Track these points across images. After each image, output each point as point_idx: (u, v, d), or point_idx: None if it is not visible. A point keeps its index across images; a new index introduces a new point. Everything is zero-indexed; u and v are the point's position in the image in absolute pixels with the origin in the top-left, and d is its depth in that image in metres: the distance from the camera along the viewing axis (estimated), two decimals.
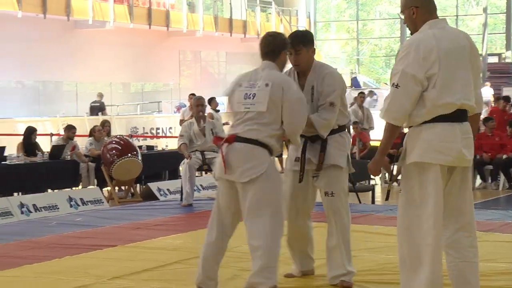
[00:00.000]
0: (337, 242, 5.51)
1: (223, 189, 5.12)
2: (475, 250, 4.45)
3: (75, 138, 13.02)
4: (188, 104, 17.67)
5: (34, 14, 22.47)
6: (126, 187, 12.55)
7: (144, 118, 22.67)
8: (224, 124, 11.35)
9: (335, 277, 5.55)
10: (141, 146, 14.01)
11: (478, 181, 13.83)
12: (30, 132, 12.55)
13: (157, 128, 21.36)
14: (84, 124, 18.18)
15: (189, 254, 6.82)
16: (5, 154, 11.74)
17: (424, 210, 4.31)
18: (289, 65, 5.49)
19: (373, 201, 10.43)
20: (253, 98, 4.97)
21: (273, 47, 5.09)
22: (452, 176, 4.40)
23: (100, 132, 12.96)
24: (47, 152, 12.29)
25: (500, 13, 34.89)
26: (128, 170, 11.83)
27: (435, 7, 4.48)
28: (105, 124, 13.67)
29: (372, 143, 14.49)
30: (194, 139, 10.62)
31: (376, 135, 15.71)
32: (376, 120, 15.37)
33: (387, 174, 13.16)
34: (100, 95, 22.92)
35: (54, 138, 14.00)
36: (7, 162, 11.39)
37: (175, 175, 13.44)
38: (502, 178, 13.49)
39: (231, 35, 30.47)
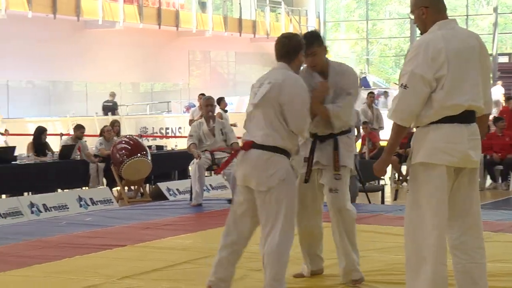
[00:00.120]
0: (341, 237, 5.54)
1: (241, 194, 5.08)
2: (482, 251, 4.44)
3: (85, 138, 13.05)
4: (197, 104, 17.68)
5: (44, 14, 22.54)
6: (136, 187, 12.56)
7: (153, 118, 22.70)
8: (231, 125, 11.36)
9: (346, 273, 5.58)
10: (151, 146, 14.03)
11: (488, 181, 13.78)
12: (40, 132, 12.58)
13: (167, 128, 21.39)
14: (94, 124, 18.22)
15: (198, 254, 6.83)
16: (16, 154, 11.77)
17: (428, 210, 4.31)
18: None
19: (382, 201, 10.42)
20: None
21: (288, 48, 5.04)
22: (459, 177, 4.40)
23: (109, 132, 12.98)
24: (57, 152, 12.32)
25: (511, 13, 34.79)
26: (137, 170, 11.85)
27: (445, 7, 4.47)
28: (115, 124, 13.70)
29: (382, 143, 14.46)
30: (203, 139, 10.62)
31: (386, 135, 15.69)
32: (386, 120, 15.34)
33: (396, 174, 13.19)
34: (113, 95, 23.01)
35: (63, 138, 14.03)
36: (18, 162, 11.42)
37: (184, 175, 13.45)
38: None
39: (240, 35, 30.48)
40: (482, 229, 4.50)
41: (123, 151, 11.85)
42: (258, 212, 4.96)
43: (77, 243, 7.58)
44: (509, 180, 13.52)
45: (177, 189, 12.25)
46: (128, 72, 26.39)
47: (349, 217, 5.58)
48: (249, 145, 4.95)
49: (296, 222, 5.41)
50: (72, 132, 13.20)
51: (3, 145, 13.23)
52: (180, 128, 21.35)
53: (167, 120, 22.34)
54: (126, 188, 12.43)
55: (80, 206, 10.69)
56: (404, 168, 4.30)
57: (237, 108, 26.05)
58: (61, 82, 25.33)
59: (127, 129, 18.55)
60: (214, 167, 10.78)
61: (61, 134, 15.21)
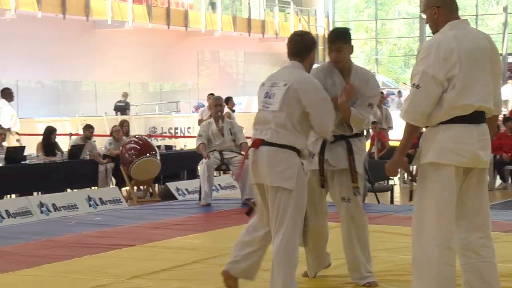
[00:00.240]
0: (354, 246, 5.53)
1: (257, 194, 5.08)
2: (491, 250, 4.44)
3: (94, 138, 13.07)
4: (206, 104, 17.69)
5: (53, 14, 22.59)
6: (145, 186, 12.58)
7: (162, 118, 22.73)
8: None
9: (357, 279, 5.59)
10: (160, 146, 14.04)
11: (498, 181, 13.74)
12: (50, 132, 12.61)
13: (176, 128, 21.41)
14: (103, 124, 18.26)
15: (207, 253, 6.83)
16: (25, 153, 11.81)
17: (435, 210, 4.32)
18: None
19: (391, 201, 10.40)
20: (271, 98, 4.94)
21: (301, 47, 5.02)
22: (468, 177, 4.40)
23: (118, 132, 13.00)
24: (67, 151, 12.34)
25: None
26: (146, 170, 11.86)
27: (457, 7, 4.47)
28: (124, 124, 13.72)
29: (391, 143, 14.43)
30: (212, 139, 10.62)
31: (395, 135, 15.66)
32: (395, 120, 15.31)
33: (405, 174, 13.16)
34: (125, 95, 23.12)
35: (73, 137, 14.06)
36: (27, 161, 11.45)
37: (193, 175, 13.46)
38: None
39: (249, 35, 30.48)
40: (491, 229, 4.49)
41: (132, 151, 11.87)
42: (269, 209, 4.95)
43: (86, 242, 7.59)
44: None
45: (186, 189, 12.25)
46: (137, 72, 26.43)
47: (362, 225, 5.57)
48: (259, 143, 4.94)
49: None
50: (81, 132, 13.23)
51: (17, 144, 13.29)
52: (189, 128, 21.37)
53: (176, 120, 22.36)
54: (135, 188, 12.44)
55: (90, 206, 10.71)
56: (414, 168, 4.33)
57: (246, 108, 26.06)
58: (70, 82, 25.39)
59: (136, 129, 18.58)
60: (223, 167, 10.78)
61: (71, 134, 15.25)
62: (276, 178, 4.84)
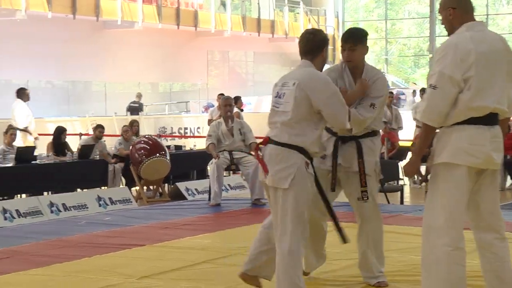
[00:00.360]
0: (367, 247, 5.52)
1: (266, 190, 5.05)
2: (507, 250, 4.47)
3: (104, 138, 13.09)
4: (216, 104, 17.70)
5: (63, 14, 22.65)
6: (155, 186, 12.59)
7: (172, 118, 22.74)
8: None
9: (368, 278, 5.59)
10: (169, 146, 14.05)
11: (509, 181, 13.68)
12: (60, 132, 12.64)
13: (185, 128, 21.42)
14: (113, 124, 18.29)
15: (217, 253, 6.83)
16: (35, 153, 11.84)
17: (446, 210, 4.33)
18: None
19: (401, 202, 10.37)
20: (282, 98, 4.93)
21: (312, 45, 4.98)
22: (481, 178, 4.42)
23: (127, 132, 13.02)
24: (76, 151, 12.36)
25: None
26: (156, 170, 11.87)
27: (472, 8, 4.50)
28: (134, 124, 13.73)
29: (401, 143, 14.40)
30: (222, 139, 10.63)
31: (405, 135, 15.62)
32: (405, 120, 15.28)
33: (415, 175, 13.12)
34: (139, 96, 23.18)
35: (83, 137, 14.09)
36: (37, 161, 11.48)
37: (203, 175, 13.46)
38: None
39: (259, 35, 30.48)
40: (505, 229, 4.53)
41: (142, 151, 11.88)
42: (272, 209, 4.94)
43: (96, 242, 7.61)
44: None
45: (196, 189, 12.26)
46: (147, 72, 26.48)
47: (377, 225, 5.56)
48: (266, 140, 4.93)
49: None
50: (91, 132, 13.24)
51: (32, 144, 13.39)
52: (198, 128, 21.39)
53: (186, 120, 22.37)
54: (145, 188, 12.45)
55: (99, 205, 10.73)
56: (422, 168, 4.30)
57: (256, 108, 26.05)
58: (80, 82, 25.45)
59: (146, 129, 18.60)
60: (233, 167, 10.78)
61: (81, 134, 15.29)
62: (273, 177, 4.82)
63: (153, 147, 12.00)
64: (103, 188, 12.00)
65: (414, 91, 27.37)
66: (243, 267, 5.19)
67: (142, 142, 12.16)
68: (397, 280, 5.68)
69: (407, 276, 5.83)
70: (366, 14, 39.81)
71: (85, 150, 12.16)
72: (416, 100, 25.49)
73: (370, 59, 36.45)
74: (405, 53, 39.70)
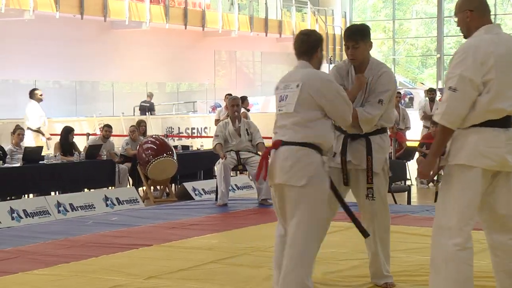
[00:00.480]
0: (376, 247, 5.51)
1: (274, 193, 5.01)
2: None
3: (112, 138, 13.11)
4: (223, 104, 17.70)
5: (71, 15, 22.68)
6: (162, 186, 12.60)
7: (179, 118, 22.75)
8: None
9: (376, 278, 5.58)
10: (177, 146, 14.05)
11: None
12: (67, 132, 12.65)
13: (192, 128, 21.43)
14: (120, 124, 18.31)
15: (224, 253, 6.83)
16: (43, 153, 11.86)
17: (458, 210, 4.34)
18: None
19: (409, 202, 10.37)
20: (285, 100, 4.92)
21: (307, 46, 5.01)
22: (495, 180, 4.44)
23: (134, 132, 13.03)
24: (83, 151, 12.38)
25: None
26: (163, 170, 11.88)
27: (489, 10, 4.50)
28: (141, 124, 13.75)
29: (408, 144, 14.38)
30: (229, 139, 10.63)
31: (412, 136, 15.60)
32: (413, 121, 15.26)
33: None
34: (150, 95, 23.26)
35: (91, 137, 14.11)
36: (45, 161, 11.50)
37: (210, 175, 13.47)
38: None
39: (266, 35, 30.46)
40: None
41: (149, 151, 11.90)
42: (286, 208, 4.91)
43: (103, 242, 7.62)
44: None
45: (203, 189, 12.27)
46: (154, 72, 26.49)
47: (385, 225, 5.54)
48: (279, 143, 4.90)
49: None
50: (98, 132, 13.26)
51: (44, 144, 13.48)
52: (206, 128, 21.40)
53: (193, 120, 22.38)
54: (152, 188, 12.47)
55: (107, 205, 10.75)
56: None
57: (263, 108, 26.04)
58: (88, 82, 25.49)
59: (154, 129, 18.62)
60: (240, 167, 10.79)
61: (88, 134, 15.30)
62: (289, 176, 4.78)
63: (160, 147, 12.01)
64: (110, 188, 12.02)
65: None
66: (275, 280, 5.03)
67: (149, 142, 12.17)
68: (404, 281, 5.68)
69: (414, 276, 5.82)
70: (373, 14, 39.75)
71: (92, 150, 12.18)
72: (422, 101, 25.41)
73: (377, 59, 36.39)
74: (413, 53, 39.61)
